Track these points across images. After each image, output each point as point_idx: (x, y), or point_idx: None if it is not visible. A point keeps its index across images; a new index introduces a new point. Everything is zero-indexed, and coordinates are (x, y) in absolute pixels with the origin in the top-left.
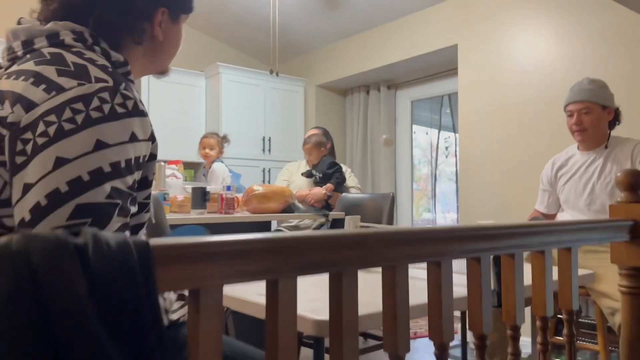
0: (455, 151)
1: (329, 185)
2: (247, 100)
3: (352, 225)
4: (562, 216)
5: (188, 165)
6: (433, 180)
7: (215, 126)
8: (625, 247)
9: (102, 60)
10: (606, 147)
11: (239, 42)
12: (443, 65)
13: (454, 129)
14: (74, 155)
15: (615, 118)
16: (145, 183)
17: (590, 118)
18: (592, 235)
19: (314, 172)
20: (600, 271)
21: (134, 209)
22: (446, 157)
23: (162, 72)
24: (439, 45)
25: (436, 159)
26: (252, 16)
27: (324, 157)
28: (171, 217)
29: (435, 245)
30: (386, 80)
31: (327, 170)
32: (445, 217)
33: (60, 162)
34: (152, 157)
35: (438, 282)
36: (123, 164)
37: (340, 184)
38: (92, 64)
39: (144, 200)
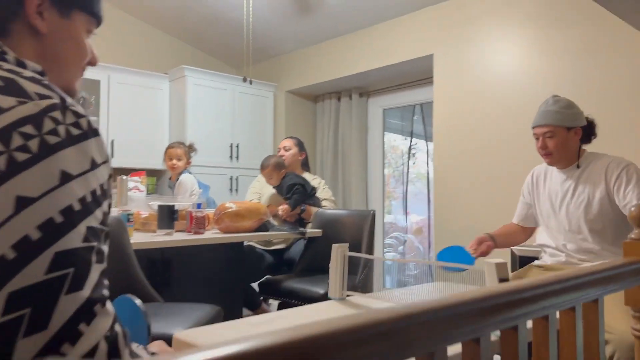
0: (427, 157)
1: (285, 207)
2: (214, 105)
3: (339, 254)
4: (540, 233)
5: (151, 173)
6: (405, 187)
7: (180, 132)
8: None
9: (27, 72)
10: (578, 166)
11: (206, 45)
12: (417, 74)
13: (426, 137)
14: (39, 193)
15: (588, 133)
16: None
17: (555, 142)
18: (619, 285)
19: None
20: None
21: (106, 249)
22: (414, 163)
23: (65, 90)
24: (414, 54)
25: (408, 166)
26: (220, 18)
27: (284, 178)
28: (135, 240)
29: (474, 320)
30: (358, 87)
31: (287, 195)
32: (408, 219)
33: (22, 203)
34: (109, 178)
35: None
36: (89, 198)
37: (299, 201)
38: (19, 76)
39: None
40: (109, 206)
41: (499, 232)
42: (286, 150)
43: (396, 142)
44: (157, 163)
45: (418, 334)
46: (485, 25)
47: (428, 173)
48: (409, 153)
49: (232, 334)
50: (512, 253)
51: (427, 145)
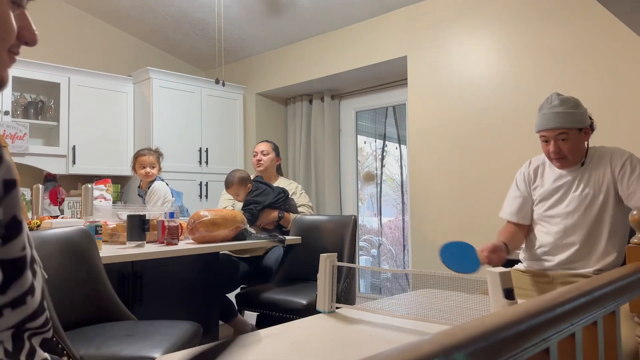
0: (400, 160)
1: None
2: (181, 109)
3: (328, 264)
4: (535, 232)
5: (114, 180)
6: (379, 189)
7: (146, 136)
8: None
9: None
10: (582, 164)
11: (170, 46)
12: (390, 76)
13: (399, 140)
14: None
15: (592, 129)
16: (13, 227)
17: (569, 144)
18: (633, 294)
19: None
20: None
21: None
22: (383, 166)
23: None
24: (388, 56)
25: (381, 169)
26: (186, 18)
27: (250, 192)
28: (104, 253)
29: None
30: (330, 89)
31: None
32: (371, 220)
33: None
34: (9, 185)
35: None
36: None
37: (251, 222)
38: None
39: (17, 255)
40: (16, 224)
41: (505, 238)
42: (264, 155)
43: (366, 144)
44: (122, 170)
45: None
46: (458, 26)
47: (402, 175)
48: (382, 155)
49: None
50: None
51: (400, 148)
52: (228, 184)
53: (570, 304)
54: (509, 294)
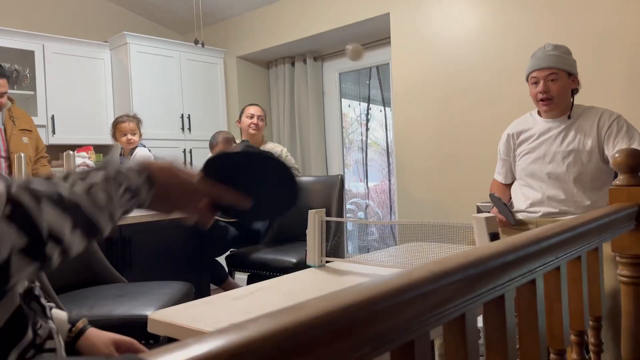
0: (385, 123)
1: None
2: (161, 74)
3: (317, 219)
4: (520, 186)
5: (97, 149)
6: (364, 154)
7: (126, 103)
8: (629, 235)
9: None
10: (569, 117)
11: (147, 9)
12: (372, 35)
13: (383, 103)
14: None
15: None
16: None
17: (558, 85)
18: (613, 231)
19: None
20: None
21: None
22: (367, 130)
23: None
24: (369, 13)
25: (366, 133)
26: None
27: None
28: None
29: (498, 276)
30: (313, 51)
31: None
32: (358, 184)
33: None
34: None
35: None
36: None
37: None
38: None
39: None
40: None
41: (501, 195)
42: (261, 120)
43: (350, 107)
44: (103, 138)
45: (450, 293)
46: None
47: (387, 139)
48: (367, 119)
49: (214, 310)
50: (478, 209)
51: (384, 111)
52: (212, 145)
53: (556, 237)
54: (494, 237)
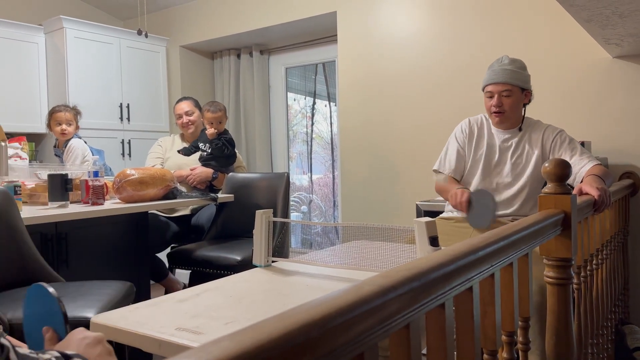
0: (330, 117)
1: (196, 172)
2: (99, 61)
3: (264, 220)
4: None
5: (29, 138)
6: (309, 147)
7: (61, 91)
8: (555, 240)
9: None
10: (520, 129)
11: None
12: (320, 32)
13: (328, 97)
14: None
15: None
16: None
17: (511, 101)
18: (542, 238)
19: (201, 145)
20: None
21: None
22: (312, 124)
23: None
24: (317, 11)
25: (312, 127)
26: None
27: (203, 129)
28: (26, 215)
29: (440, 286)
30: (259, 44)
31: (219, 138)
32: (301, 177)
33: None
34: None
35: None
36: None
37: (228, 161)
38: None
39: None
40: None
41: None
42: (189, 115)
43: (295, 101)
44: (36, 127)
45: (397, 306)
46: None
47: (332, 133)
48: (312, 113)
49: (160, 313)
50: (417, 207)
51: (329, 106)
52: (214, 110)
53: (491, 247)
54: (433, 241)
